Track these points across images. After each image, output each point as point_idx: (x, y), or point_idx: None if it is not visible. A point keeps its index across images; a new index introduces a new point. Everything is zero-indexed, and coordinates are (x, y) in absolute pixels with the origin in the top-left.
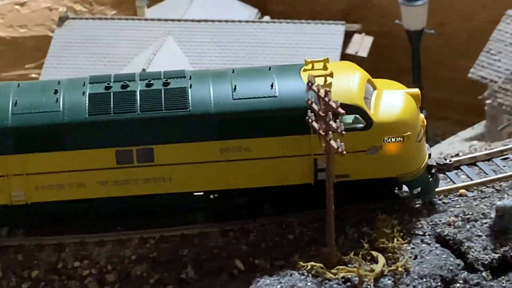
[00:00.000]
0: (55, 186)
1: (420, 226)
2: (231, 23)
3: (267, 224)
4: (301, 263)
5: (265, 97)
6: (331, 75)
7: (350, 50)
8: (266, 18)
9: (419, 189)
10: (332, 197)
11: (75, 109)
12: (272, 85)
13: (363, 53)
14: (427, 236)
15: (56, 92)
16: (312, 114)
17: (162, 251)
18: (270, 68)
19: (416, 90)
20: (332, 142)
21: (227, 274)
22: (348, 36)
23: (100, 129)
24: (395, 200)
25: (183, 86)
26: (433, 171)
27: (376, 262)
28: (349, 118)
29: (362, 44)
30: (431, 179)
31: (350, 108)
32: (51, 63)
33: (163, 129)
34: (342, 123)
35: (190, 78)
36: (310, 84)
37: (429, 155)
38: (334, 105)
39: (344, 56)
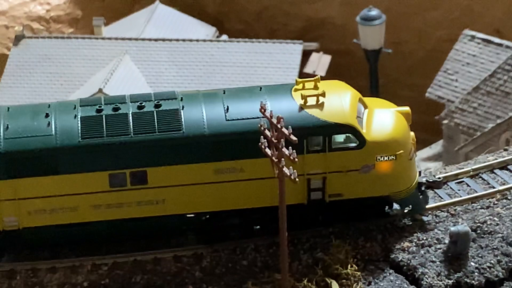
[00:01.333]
0: (48, 210)
1: (374, 251)
2: (189, 42)
3: (221, 250)
4: None
5: (258, 117)
6: (323, 94)
7: (308, 69)
8: (224, 37)
9: (410, 207)
10: (285, 223)
11: (67, 133)
12: (264, 106)
13: (321, 71)
14: (381, 262)
15: (47, 115)
16: (265, 140)
17: (114, 278)
18: (261, 88)
19: (407, 108)
20: (284, 169)
21: None
22: (305, 55)
23: (93, 153)
24: (349, 225)
25: (175, 107)
26: (423, 188)
27: None
28: (341, 138)
29: (320, 63)
30: (421, 196)
31: (343, 128)
32: (7, 82)
33: (156, 151)
34: (294, 151)
35: (182, 99)
36: (262, 110)
37: (419, 172)
38: (286, 132)
39: (302, 75)
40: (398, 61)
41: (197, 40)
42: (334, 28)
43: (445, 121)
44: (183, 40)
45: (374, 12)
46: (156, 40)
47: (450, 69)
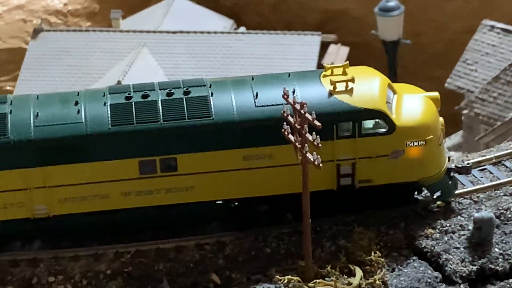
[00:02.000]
0: (78, 198)
1: (397, 238)
2: (207, 34)
3: (243, 237)
4: (278, 276)
5: (287, 103)
6: (352, 80)
7: (326, 61)
8: (242, 29)
9: (439, 192)
10: (309, 210)
11: (97, 120)
12: (294, 92)
13: (340, 63)
14: (404, 249)
15: (76, 103)
16: (288, 126)
17: (137, 266)
18: (289, 74)
19: (436, 94)
20: (308, 154)
21: None
22: (323, 46)
23: (123, 140)
24: (372, 212)
25: (204, 94)
26: (451, 174)
27: (354, 275)
28: (370, 123)
29: (338, 55)
30: (450, 182)
31: (373, 113)
32: (26, 75)
33: (186, 138)
34: (318, 136)
35: (210, 86)
36: (285, 96)
37: (449, 158)
38: (310, 117)
39: (321, 67)
40: (416, 53)
41: (215, 32)
42: (351, 20)
43: (465, 111)
44: (201, 32)
45: (393, 3)
46: (174, 32)
47: (470, 59)
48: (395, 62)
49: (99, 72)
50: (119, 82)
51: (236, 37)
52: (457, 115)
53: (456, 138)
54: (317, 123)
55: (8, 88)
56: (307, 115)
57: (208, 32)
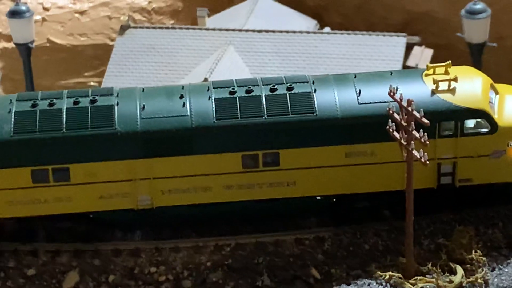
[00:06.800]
0: (181, 190)
1: (496, 238)
2: (292, 34)
3: (342, 233)
4: (379, 272)
5: (390, 101)
6: (455, 79)
7: (410, 63)
8: (327, 29)
9: None
10: (412, 207)
11: (202, 114)
12: (396, 90)
13: (424, 65)
14: (504, 249)
15: (181, 97)
16: (393, 123)
17: (237, 258)
18: (391, 72)
19: None
20: (414, 151)
21: (303, 282)
22: (408, 48)
23: (227, 134)
24: (470, 211)
25: (307, 91)
26: None
27: (454, 273)
28: (472, 123)
29: (422, 57)
30: None
31: (476, 113)
32: (113, 71)
33: (289, 133)
34: (425, 133)
35: (313, 83)
36: (391, 93)
37: None
38: (417, 115)
39: (404, 69)
40: (500, 56)
41: (301, 32)
42: (434, 22)
43: None
44: (287, 31)
45: (480, 5)
46: (260, 31)
47: None
48: (480, 65)
49: (185, 69)
50: (205, 80)
51: (322, 37)
52: None
53: None
54: (425, 120)
55: (92, 83)
56: (415, 112)
57: (294, 32)
